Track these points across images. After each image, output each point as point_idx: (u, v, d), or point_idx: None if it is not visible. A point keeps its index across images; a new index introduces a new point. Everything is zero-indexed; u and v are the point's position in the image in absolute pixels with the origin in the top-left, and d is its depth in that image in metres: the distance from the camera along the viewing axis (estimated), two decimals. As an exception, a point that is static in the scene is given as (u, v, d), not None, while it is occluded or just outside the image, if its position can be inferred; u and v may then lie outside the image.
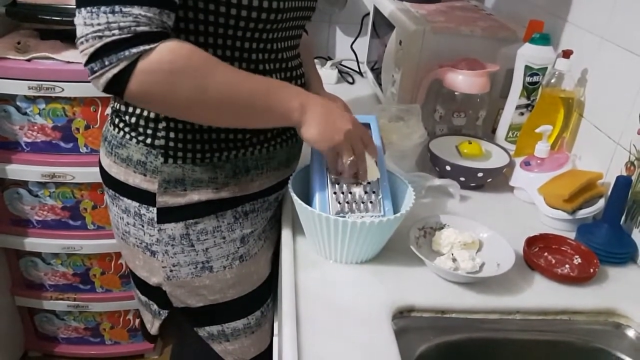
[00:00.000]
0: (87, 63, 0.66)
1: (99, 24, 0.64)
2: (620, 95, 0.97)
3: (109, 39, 0.64)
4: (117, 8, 0.64)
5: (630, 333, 0.80)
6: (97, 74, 0.65)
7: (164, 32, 0.68)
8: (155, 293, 0.93)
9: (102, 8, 0.64)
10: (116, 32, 0.64)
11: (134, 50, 0.64)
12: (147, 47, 0.65)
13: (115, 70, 0.65)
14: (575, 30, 1.14)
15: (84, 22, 0.65)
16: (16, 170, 1.39)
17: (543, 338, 0.80)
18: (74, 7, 0.67)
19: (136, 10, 0.64)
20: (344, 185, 0.83)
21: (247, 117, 0.76)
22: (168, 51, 0.67)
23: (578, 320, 0.81)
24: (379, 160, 0.86)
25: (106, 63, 0.65)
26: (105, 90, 0.67)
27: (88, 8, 0.64)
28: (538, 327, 0.79)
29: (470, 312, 0.79)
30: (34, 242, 1.50)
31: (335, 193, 0.83)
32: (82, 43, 0.65)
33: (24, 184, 1.43)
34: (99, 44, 0.64)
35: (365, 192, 0.84)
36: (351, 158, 0.78)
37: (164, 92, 0.68)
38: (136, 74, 0.65)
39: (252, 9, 0.75)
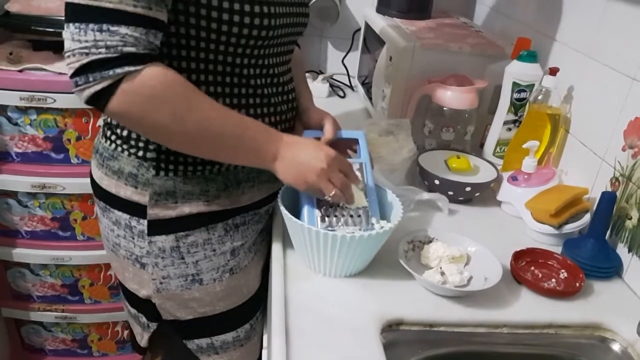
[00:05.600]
0: (72, 76, 0.67)
1: (86, 41, 0.65)
2: (605, 113, 0.99)
3: (95, 57, 0.66)
4: (104, 27, 0.65)
5: (616, 347, 0.81)
6: (80, 87, 0.67)
7: (151, 55, 0.69)
8: (144, 305, 0.93)
9: (90, 25, 0.65)
10: (103, 50, 0.65)
11: (119, 70, 0.66)
12: (132, 68, 0.67)
13: (97, 87, 0.67)
14: (562, 48, 1.16)
15: (72, 38, 0.66)
16: (6, 181, 1.38)
17: (530, 352, 0.80)
18: (64, 20, 0.68)
19: (123, 29, 0.66)
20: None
21: (220, 153, 0.78)
22: (151, 77, 0.68)
23: (564, 334, 0.81)
24: (367, 174, 0.87)
25: (90, 79, 0.66)
26: (87, 103, 0.69)
27: (76, 24, 0.66)
28: (525, 341, 0.80)
29: (458, 326, 0.79)
30: (22, 253, 1.49)
31: (323, 206, 0.83)
32: (68, 57, 0.67)
33: (13, 194, 1.42)
34: (85, 60, 0.66)
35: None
36: (332, 193, 0.79)
37: (141, 115, 0.70)
38: (118, 94, 0.67)
39: (244, 26, 0.76)
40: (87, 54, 0.66)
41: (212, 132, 0.74)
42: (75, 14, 0.66)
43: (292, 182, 0.79)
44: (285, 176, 0.79)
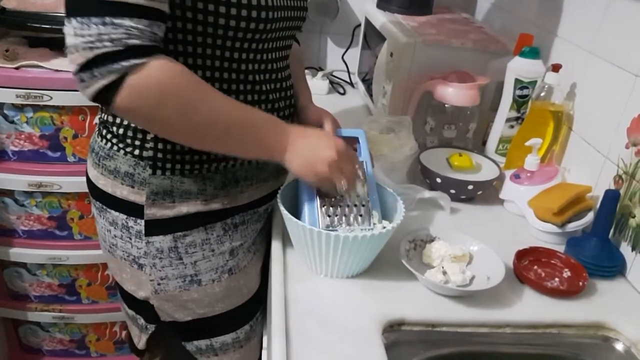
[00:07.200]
0: (76, 72, 0.65)
1: (90, 35, 0.63)
2: (608, 110, 0.98)
3: (100, 51, 0.63)
4: (107, 20, 0.63)
5: (619, 346, 0.81)
6: (85, 84, 0.65)
7: (155, 46, 0.67)
8: (142, 307, 0.92)
9: (93, 19, 0.63)
10: (107, 44, 0.63)
11: (125, 63, 0.64)
12: (137, 61, 0.65)
13: (105, 82, 0.65)
14: (564, 45, 1.15)
15: (74, 33, 0.64)
16: (2, 180, 1.37)
17: (532, 352, 0.80)
18: (64, 15, 0.66)
19: (127, 22, 0.64)
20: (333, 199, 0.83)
21: (229, 146, 0.77)
22: (158, 69, 0.67)
23: (567, 333, 0.81)
24: (368, 174, 0.86)
25: (95, 74, 0.64)
26: (93, 100, 0.67)
27: (78, 18, 0.64)
28: (527, 341, 0.80)
29: (460, 326, 0.78)
30: (19, 253, 1.48)
31: (324, 206, 0.82)
32: (71, 52, 0.65)
33: (10, 193, 1.41)
34: (90, 55, 0.64)
35: (355, 205, 0.83)
36: (344, 184, 0.77)
37: (149, 109, 0.68)
38: (124, 87, 0.65)
39: (241, 19, 0.75)
40: (91, 48, 0.63)
41: (221, 123, 0.72)
42: (77, 8, 0.64)
43: (301, 172, 0.77)
44: (294, 166, 0.77)
